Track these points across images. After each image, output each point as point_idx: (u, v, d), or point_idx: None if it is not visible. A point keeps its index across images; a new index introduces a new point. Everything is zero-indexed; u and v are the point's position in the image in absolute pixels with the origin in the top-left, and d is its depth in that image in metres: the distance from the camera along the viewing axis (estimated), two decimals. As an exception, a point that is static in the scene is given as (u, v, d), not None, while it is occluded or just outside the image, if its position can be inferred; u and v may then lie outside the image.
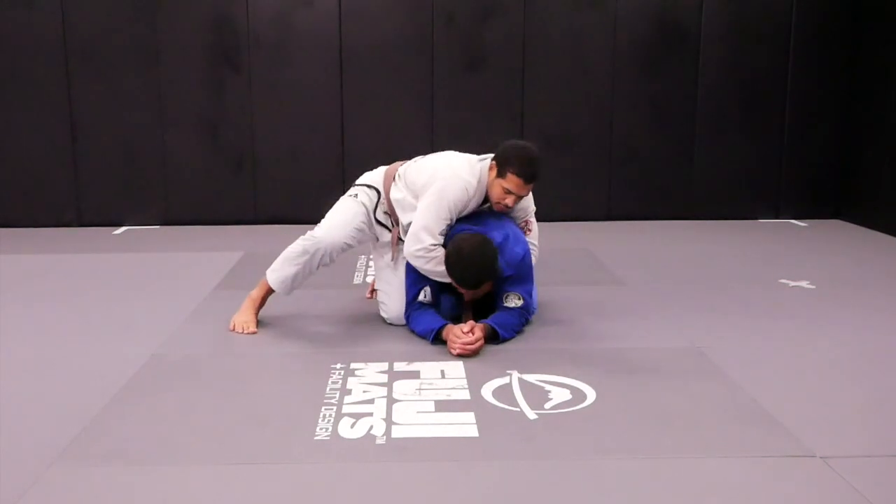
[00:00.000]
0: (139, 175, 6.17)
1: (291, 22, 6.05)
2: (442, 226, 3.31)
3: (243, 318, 3.53)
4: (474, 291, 3.29)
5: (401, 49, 6.11)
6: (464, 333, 3.16)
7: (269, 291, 3.57)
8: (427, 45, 6.10)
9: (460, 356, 3.13)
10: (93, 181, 6.15)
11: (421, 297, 3.39)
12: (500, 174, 3.31)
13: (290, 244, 3.52)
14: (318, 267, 3.51)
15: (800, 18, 6.16)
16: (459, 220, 3.41)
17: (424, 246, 3.27)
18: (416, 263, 3.33)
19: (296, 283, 3.52)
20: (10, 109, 6.03)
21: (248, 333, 3.46)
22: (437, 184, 3.32)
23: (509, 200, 3.33)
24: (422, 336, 3.34)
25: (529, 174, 3.29)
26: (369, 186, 3.58)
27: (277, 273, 3.51)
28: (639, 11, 6.13)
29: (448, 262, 3.19)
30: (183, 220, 6.19)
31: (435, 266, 3.28)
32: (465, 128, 6.03)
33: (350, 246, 3.55)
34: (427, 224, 3.29)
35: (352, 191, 3.62)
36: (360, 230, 3.52)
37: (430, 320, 3.31)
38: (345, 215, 3.52)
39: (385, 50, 6.10)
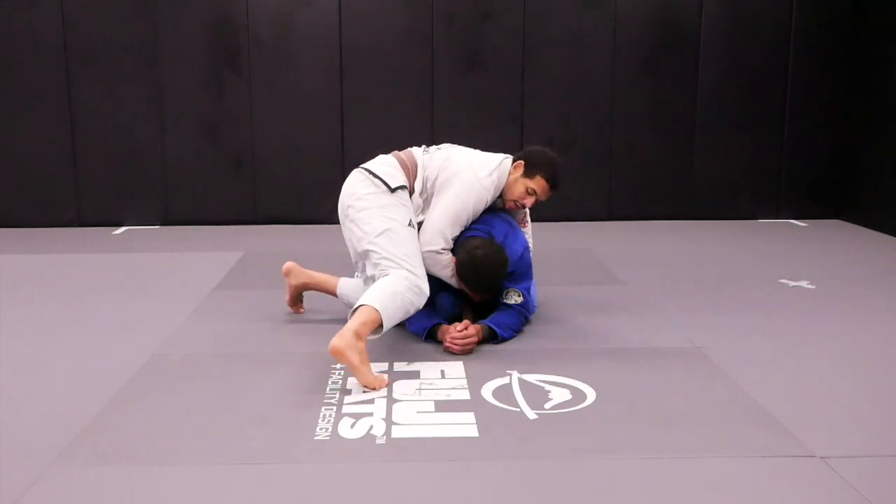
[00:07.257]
0: (139, 175, 6.17)
1: (291, 22, 6.05)
2: (456, 231, 3.31)
3: (369, 377, 2.83)
4: (483, 295, 3.32)
5: (401, 49, 6.11)
6: (457, 331, 3.18)
7: (377, 327, 2.98)
8: (427, 45, 6.10)
9: (455, 353, 3.15)
10: (93, 181, 6.15)
11: None
12: (529, 174, 3.38)
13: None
14: None
15: (800, 18, 6.16)
16: None
17: (435, 249, 3.26)
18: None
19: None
20: (10, 109, 6.03)
21: (385, 386, 2.85)
22: (459, 188, 3.27)
23: (529, 201, 3.41)
24: (415, 333, 3.36)
25: (556, 181, 3.43)
26: (402, 188, 3.27)
27: (390, 313, 2.98)
28: (639, 11, 6.13)
29: (461, 267, 3.21)
30: (183, 220, 6.20)
31: (441, 269, 3.29)
32: (465, 128, 6.03)
33: None
34: (442, 228, 3.27)
35: (387, 200, 3.22)
36: None
37: (424, 318, 3.32)
38: (415, 244, 3.22)
39: (385, 50, 6.10)
